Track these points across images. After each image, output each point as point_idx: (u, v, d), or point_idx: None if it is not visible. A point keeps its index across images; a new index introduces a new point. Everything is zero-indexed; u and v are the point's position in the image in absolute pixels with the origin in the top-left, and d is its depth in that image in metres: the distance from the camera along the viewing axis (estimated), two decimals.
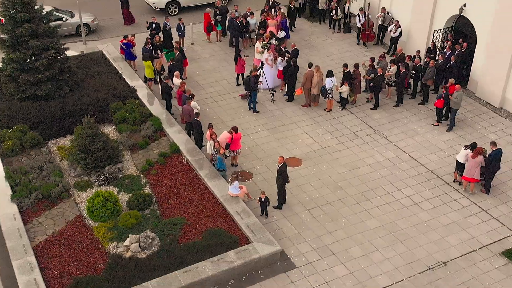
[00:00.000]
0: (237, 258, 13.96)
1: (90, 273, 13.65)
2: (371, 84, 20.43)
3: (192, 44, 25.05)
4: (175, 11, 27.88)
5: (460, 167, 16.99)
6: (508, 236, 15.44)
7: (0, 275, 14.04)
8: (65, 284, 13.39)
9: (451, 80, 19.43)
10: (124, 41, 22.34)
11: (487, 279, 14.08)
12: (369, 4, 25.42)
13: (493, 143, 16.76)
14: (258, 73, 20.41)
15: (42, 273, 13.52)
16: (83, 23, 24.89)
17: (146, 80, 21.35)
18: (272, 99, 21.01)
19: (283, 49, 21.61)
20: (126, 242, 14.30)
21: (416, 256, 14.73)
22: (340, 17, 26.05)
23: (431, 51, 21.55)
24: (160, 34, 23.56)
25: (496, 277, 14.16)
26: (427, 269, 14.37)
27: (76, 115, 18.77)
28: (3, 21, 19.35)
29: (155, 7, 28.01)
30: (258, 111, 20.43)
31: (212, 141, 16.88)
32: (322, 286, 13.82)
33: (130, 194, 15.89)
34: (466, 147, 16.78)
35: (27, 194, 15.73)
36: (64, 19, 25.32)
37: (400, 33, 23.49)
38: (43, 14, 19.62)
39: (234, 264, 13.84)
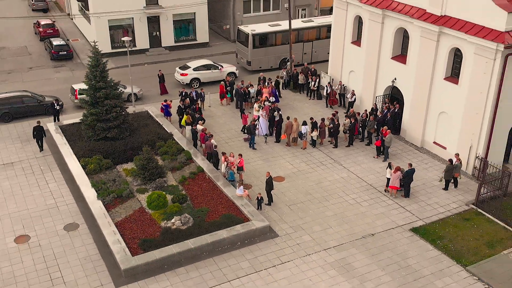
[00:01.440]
0: (242, 229, 20.62)
1: (151, 237, 20.35)
2: (332, 130, 27.77)
3: (209, 106, 32.38)
4: (196, 85, 35.66)
5: (388, 181, 24.01)
6: (415, 221, 22.10)
7: (95, 242, 20.72)
8: (136, 242, 20.06)
9: (385, 128, 26.59)
10: (164, 104, 29.90)
11: (399, 243, 20.69)
12: (332, 79, 33.12)
13: (409, 164, 23.72)
14: (255, 123, 27.81)
15: (122, 237, 20.27)
16: (134, 93, 32.57)
17: (180, 127, 28.78)
18: (265, 141, 28.19)
19: (275, 109, 29.06)
20: (172, 220, 20.99)
21: (355, 230, 21.39)
22: (315, 88, 33.80)
23: (373, 110, 28.99)
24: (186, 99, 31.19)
25: (404, 242, 20.73)
26: (362, 237, 21.02)
27: (134, 150, 25.84)
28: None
29: (182, 82, 35.83)
30: (256, 149, 27.50)
31: (225, 163, 23.96)
32: (294, 247, 20.40)
33: (173, 195, 22.76)
34: (387, 166, 23.88)
35: (107, 195, 22.57)
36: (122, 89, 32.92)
37: (355, 99, 31.12)
38: (112, 84, 27.21)
39: (240, 232, 20.51)
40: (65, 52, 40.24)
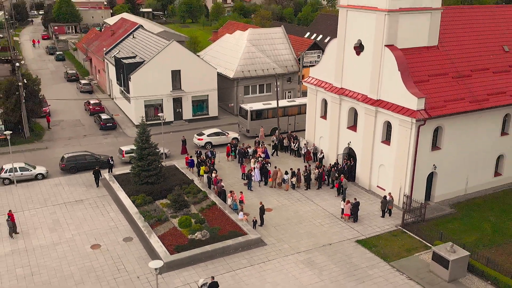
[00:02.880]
0: (242, 239, 28.24)
1: (181, 244, 27.89)
2: (305, 178, 35.86)
3: (219, 161, 40.48)
4: (210, 147, 43.84)
5: (342, 211, 31.82)
6: (359, 236, 29.64)
7: (144, 248, 28.27)
8: (172, 247, 27.58)
9: (342, 176, 34.79)
10: (189, 159, 38.27)
11: (347, 249, 28.22)
12: (307, 142, 41.48)
13: (355, 198, 31.65)
14: (252, 173, 35.95)
15: (163, 244, 27.83)
16: (164, 152, 40.83)
17: (199, 175, 36.94)
18: (260, 185, 36.27)
19: (267, 163, 37.23)
20: (196, 234, 28.60)
21: (318, 242, 28.87)
22: (296, 148, 42.15)
23: (336, 164, 37.17)
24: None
25: (350, 248, 28.21)
26: (322, 245, 28.55)
27: (168, 191, 33.75)
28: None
29: (199, 145, 44.17)
30: (252, 190, 35.39)
31: (231, 198, 31.90)
32: (277, 251, 27.85)
33: (195, 219, 30.46)
34: (342, 200, 31.83)
35: (151, 219, 30.27)
36: None
37: (323, 156, 39.39)
38: (153, 145, 35.45)
39: (241, 241, 28.12)
40: (111, 124, 48.89)
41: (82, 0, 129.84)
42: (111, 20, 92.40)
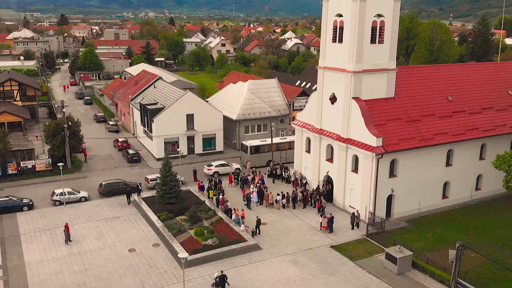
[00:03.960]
0: (243, 245, 34.54)
1: (197, 248, 34.13)
2: (292, 199, 42.36)
3: (224, 187, 46.98)
4: (217, 175, 50.39)
5: (321, 224, 38.18)
6: (333, 243, 35.91)
7: (170, 252, 34.51)
8: (191, 250, 33.79)
9: (322, 197, 41.33)
10: (200, 184, 44.91)
11: (323, 252, 34.59)
12: (295, 171, 48.14)
13: (330, 213, 38.14)
14: (251, 195, 42.46)
15: (184, 248, 34.06)
16: (181, 180, 47.36)
17: (209, 198, 43.42)
18: (257, 205, 42.73)
19: (263, 187, 43.78)
20: (208, 241, 34.92)
21: (301, 247, 35.11)
22: (286, 176, 48.78)
23: (317, 188, 43.73)
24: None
25: (326, 252, 34.50)
26: (304, 250, 34.87)
27: (185, 209, 40.13)
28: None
29: (208, 174, 50.79)
30: (251, 209, 41.84)
31: (234, 214, 38.35)
32: (270, 253, 34.10)
33: (207, 230, 36.79)
34: (320, 215, 38.26)
35: (173, 230, 36.56)
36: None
37: (307, 182, 45.98)
38: (174, 174, 42.08)
39: (242, 246, 34.41)
40: (137, 158, 55.67)
41: (104, 51, 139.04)
42: (131, 69, 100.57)
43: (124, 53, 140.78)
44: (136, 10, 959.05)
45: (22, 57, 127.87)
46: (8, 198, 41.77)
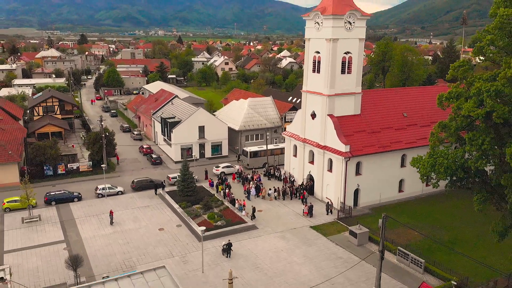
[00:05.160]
0: (244, 225, 42.51)
1: (210, 227, 42.01)
2: (282, 192, 50.35)
3: (229, 183, 55.09)
4: (224, 174, 58.26)
5: (303, 210, 46.16)
6: (312, 224, 43.88)
7: (189, 230, 42.46)
8: (206, 229, 41.74)
9: (305, 191, 49.31)
10: (210, 182, 52.94)
11: (304, 231, 42.54)
12: (285, 171, 56.16)
13: (310, 203, 46.21)
14: (250, 190, 50.47)
15: (198, 227, 41.97)
16: (195, 178, 55.34)
17: (217, 191, 51.38)
18: (255, 197, 50.52)
19: (260, 184, 51.78)
20: (218, 222, 42.90)
21: (287, 227, 43.22)
22: (278, 175, 56.76)
23: (302, 184, 51.68)
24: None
25: (306, 231, 42.51)
26: (290, 229, 42.89)
27: (200, 200, 48.05)
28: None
29: (216, 174, 58.67)
30: (250, 200, 49.70)
31: (238, 203, 46.32)
32: (263, 231, 42.15)
33: (216, 215, 44.69)
34: (302, 203, 46.27)
35: (190, 215, 44.55)
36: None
37: (294, 179, 53.95)
38: (191, 174, 50.03)
39: (243, 226, 42.39)
40: (159, 161, 63.67)
41: (123, 69, 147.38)
42: (149, 86, 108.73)
43: (141, 71, 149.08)
44: (146, 28, 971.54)
45: (53, 75, 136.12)
46: (63, 192, 49.77)
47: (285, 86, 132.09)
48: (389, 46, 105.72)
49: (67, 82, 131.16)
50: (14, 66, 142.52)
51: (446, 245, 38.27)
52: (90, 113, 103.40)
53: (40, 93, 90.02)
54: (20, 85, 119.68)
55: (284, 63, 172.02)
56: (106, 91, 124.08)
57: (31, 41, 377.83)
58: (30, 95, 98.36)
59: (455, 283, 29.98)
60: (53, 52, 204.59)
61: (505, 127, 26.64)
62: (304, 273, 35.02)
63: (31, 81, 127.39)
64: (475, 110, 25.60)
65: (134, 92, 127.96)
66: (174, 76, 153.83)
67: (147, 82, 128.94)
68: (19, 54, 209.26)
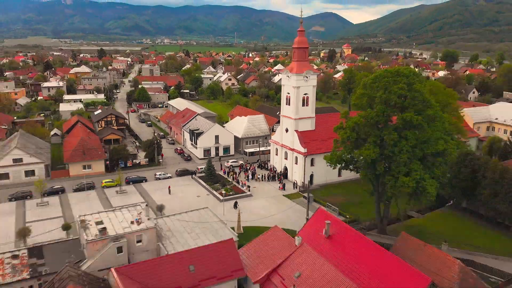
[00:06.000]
0: (244, 195, 72.00)
1: (226, 195, 71.33)
2: (268, 177, 79.62)
3: (236, 172, 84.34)
4: (232, 167, 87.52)
5: (279, 186, 75.49)
6: (285, 193, 73.26)
7: (213, 197, 71.82)
8: (222, 196, 70.83)
9: (281, 176, 78.53)
10: (224, 171, 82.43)
11: (279, 198, 71.88)
12: (271, 165, 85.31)
13: (284, 183, 75.53)
14: (249, 175, 79.70)
15: (220, 195, 71.15)
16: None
17: (228, 176, 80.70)
18: (250, 180, 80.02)
19: (254, 172, 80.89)
20: (230, 192, 72.25)
21: (270, 195, 72.73)
22: (266, 167, 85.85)
23: (280, 172, 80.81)
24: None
25: (280, 198, 72.02)
26: (271, 197, 72.22)
27: (218, 181, 77.34)
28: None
29: (227, 166, 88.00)
30: (249, 181, 79.20)
31: (241, 183, 75.64)
32: (256, 198, 71.53)
33: (229, 189, 73.79)
34: (279, 183, 75.86)
35: (215, 189, 73.76)
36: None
37: (275, 169, 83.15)
38: (212, 166, 79.11)
39: (244, 194, 71.85)
40: (189, 158, 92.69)
41: (147, 86, 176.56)
42: (172, 102, 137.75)
43: (161, 88, 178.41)
44: (153, 37, 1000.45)
45: (95, 92, 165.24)
46: (136, 176, 79.21)
47: (277, 100, 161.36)
48: (352, 73, 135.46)
49: (105, 97, 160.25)
50: (61, 83, 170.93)
51: (354, 203, 67.88)
52: (130, 123, 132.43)
53: (99, 111, 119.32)
54: (68, 101, 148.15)
55: (276, 79, 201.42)
56: (138, 104, 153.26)
57: (54, 53, 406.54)
58: (85, 110, 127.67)
59: (348, 218, 59.39)
60: (84, 69, 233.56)
61: (358, 140, 55.75)
62: (276, 215, 64.51)
63: (77, 97, 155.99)
64: (347, 133, 54.84)
65: (159, 105, 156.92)
66: (187, 90, 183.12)
67: (169, 98, 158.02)
68: (53, 69, 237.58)
